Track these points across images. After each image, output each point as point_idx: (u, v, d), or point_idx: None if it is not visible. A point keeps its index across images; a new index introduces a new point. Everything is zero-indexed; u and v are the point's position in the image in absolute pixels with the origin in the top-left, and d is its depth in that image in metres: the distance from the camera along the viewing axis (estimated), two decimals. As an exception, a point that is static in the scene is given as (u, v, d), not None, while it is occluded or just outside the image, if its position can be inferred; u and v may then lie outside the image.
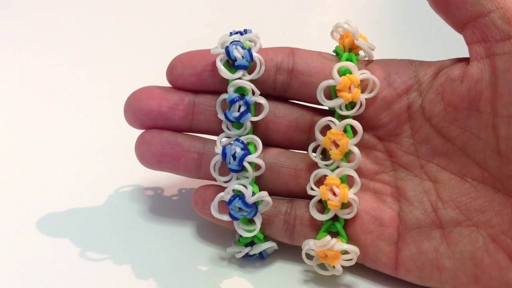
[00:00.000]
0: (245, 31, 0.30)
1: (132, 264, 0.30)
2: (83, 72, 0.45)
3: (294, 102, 0.30)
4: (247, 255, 0.30)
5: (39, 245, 0.31)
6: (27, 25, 0.51)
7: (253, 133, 0.29)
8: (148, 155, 0.30)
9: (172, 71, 0.30)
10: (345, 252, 0.28)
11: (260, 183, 0.29)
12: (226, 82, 0.29)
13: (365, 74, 0.28)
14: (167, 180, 0.35)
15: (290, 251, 0.30)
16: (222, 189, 0.29)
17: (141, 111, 0.29)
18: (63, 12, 0.53)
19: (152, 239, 0.32)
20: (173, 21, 0.52)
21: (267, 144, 0.30)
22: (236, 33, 0.30)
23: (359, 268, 0.29)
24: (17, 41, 0.49)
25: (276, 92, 0.30)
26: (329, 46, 0.31)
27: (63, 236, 0.31)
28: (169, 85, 0.30)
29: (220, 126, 0.29)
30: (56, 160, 0.37)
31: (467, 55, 0.27)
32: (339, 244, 0.28)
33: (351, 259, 0.28)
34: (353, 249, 0.28)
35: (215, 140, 0.29)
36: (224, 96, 0.29)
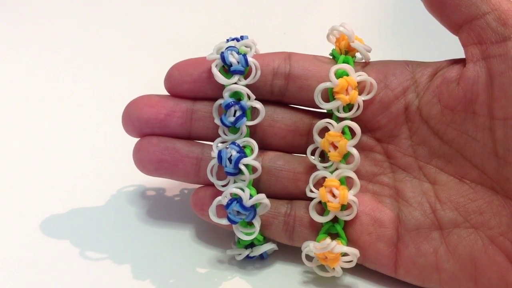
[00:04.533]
0: (241, 37, 0.30)
1: (131, 267, 0.30)
2: (86, 75, 0.46)
3: (292, 107, 0.30)
4: (247, 256, 0.30)
5: (40, 246, 0.31)
6: (29, 30, 0.51)
7: (252, 138, 0.29)
8: (146, 161, 0.30)
9: (170, 79, 0.30)
10: (345, 254, 0.28)
11: (259, 187, 0.30)
12: (223, 88, 0.29)
13: (362, 76, 0.28)
14: (165, 182, 0.35)
15: (290, 252, 0.30)
16: (221, 191, 0.29)
17: (139, 119, 0.30)
18: (67, 18, 0.53)
19: (151, 241, 0.32)
20: (175, 23, 0.52)
21: (266, 148, 0.30)
22: (233, 39, 0.30)
23: (359, 269, 0.29)
24: (20, 44, 0.50)
25: (273, 97, 0.30)
26: (328, 46, 0.31)
27: (62, 237, 0.32)
28: (168, 94, 0.30)
29: (218, 132, 0.29)
30: (56, 162, 0.37)
31: (464, 56, 0.27)
32: (339, 247, 0.28)
33: (351, 261, 0.28)
34: (353, 252, 0.28)
35: (213, 145, 0.30)
36: (220, 101, 0.29)
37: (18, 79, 0.45)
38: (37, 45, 0.49)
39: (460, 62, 0.28)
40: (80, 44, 0.49)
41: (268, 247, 0.30)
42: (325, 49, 0.31)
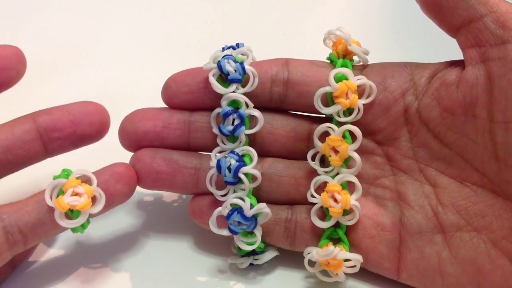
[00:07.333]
0: (237, 45, 0.30)
1: (130, 276, 0.30)
2: (89, 80, 0.45)
3: (291, 113, 0.30)
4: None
5: (36, 255, 0.31)
6: (28, 30, 0.51)
7: (251, 146, 0.29)
8: (143, 174, 0.29)
9: (167, 91, 0.29)
10: (348, 259, 0.28)
11: (260, 194, 0.29)
12: (221, 97, 0.29)
13: (362, 79, 0.28)
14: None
15: (291, 257, 0.30)
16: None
17: (136, 133, 0.29)
18: (71, 17, 0.53)
19: (150, 250, 0.32)
20: (175, 23, 0.52)
21: (266, 155, 0.30)
22: (229, 47, 0.29)
23: (362, 273, 0.29)
24: (20, 42, 0.49)
25: (273, 104, 0.29)
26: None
27: (60, 248, 0.31)
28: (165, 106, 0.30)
29: (217, 142, 0.29)
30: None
31: (462, 57, 0.27)
32: (343, 253, 0.28)
33: (354, 266, 0.28)
34: (357, 258, 0.28)
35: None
36: (218, 110, 0.29)
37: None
38: (36, 44, 0.49)
39: (459, 64, 0.27)
40: (82, 46, 0.49)
41: (270, 255, 0.30)
42: (325, 49, 0.30)
